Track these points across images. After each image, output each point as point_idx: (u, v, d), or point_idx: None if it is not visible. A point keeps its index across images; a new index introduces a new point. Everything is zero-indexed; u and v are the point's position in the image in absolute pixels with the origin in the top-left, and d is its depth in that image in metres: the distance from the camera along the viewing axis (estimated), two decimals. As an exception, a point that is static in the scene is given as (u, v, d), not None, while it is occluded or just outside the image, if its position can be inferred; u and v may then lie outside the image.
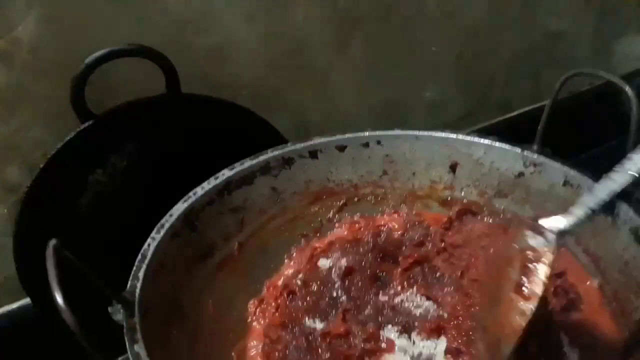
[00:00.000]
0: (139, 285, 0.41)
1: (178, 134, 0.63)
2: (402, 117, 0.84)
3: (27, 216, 0.58)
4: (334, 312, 0.50)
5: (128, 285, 0.41)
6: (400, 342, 0.48)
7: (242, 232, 0.56)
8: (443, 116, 0.87)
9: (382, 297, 0.52)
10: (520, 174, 0.56)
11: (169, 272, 0.46)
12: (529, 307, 0.34)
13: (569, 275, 0.51)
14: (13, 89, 0.57)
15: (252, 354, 0.49)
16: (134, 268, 0.43)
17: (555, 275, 0.50)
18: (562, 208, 0.53)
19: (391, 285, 0.53)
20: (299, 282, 0.54)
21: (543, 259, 0.35)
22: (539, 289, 0.34)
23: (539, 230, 0.37)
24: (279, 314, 0.51)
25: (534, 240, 0.36)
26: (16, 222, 0.57)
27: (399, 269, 0.54)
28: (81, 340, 0.28)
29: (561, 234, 0.37)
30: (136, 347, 0.36)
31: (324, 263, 0.56)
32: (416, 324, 0.49)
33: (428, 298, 0.51)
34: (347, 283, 0.53)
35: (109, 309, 0.39)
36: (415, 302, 0.51)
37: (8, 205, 0.62)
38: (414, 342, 0.48)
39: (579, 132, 0.91)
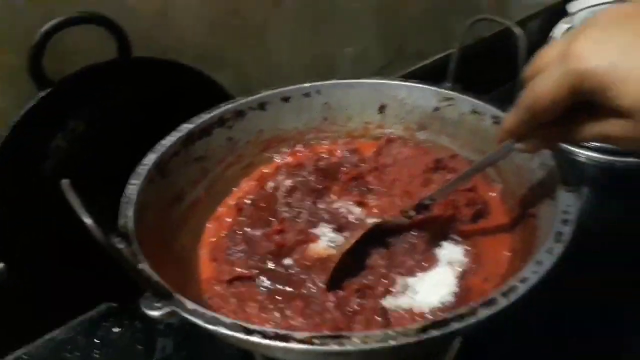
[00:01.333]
0: (130, 220, 0.48)
1: (132, 95, 0.68)
2: (330, 69, 0.93)
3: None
4: (274, 221, 0.59)
5: (119, 222, 0.48)
6: (332, 236, 0.57)
7: (207, 178, 0.63)
8: (366, 66, 0.97)
9: (320, 205, 0.61)
10: (437, 109, 0.67)
11: (150, 213, 0.53)
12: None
13: (479, 189, 0.62)
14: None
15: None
16: (121, 207, 0.49)
17: (467, 189, 0.62)
18: (471, 133, 0.66)
19: (329, 196, 0.62)
20: (247, 201, 0.62)
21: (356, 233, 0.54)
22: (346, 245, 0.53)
23: None
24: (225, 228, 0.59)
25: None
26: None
27: (338, 185, 0.63)
28: (109, 249, 0.35)
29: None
30: (140, 266, 0.43)
31: (270, 185, 0.64)
32: (350, 226, 0.58)
33: (359, 204, 0.60)
34: (289, 199, 0.61)
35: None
36: (349, 209, 0.60)
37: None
38: (345, 238, 0.56)
39: (482, 75, 1.04)
